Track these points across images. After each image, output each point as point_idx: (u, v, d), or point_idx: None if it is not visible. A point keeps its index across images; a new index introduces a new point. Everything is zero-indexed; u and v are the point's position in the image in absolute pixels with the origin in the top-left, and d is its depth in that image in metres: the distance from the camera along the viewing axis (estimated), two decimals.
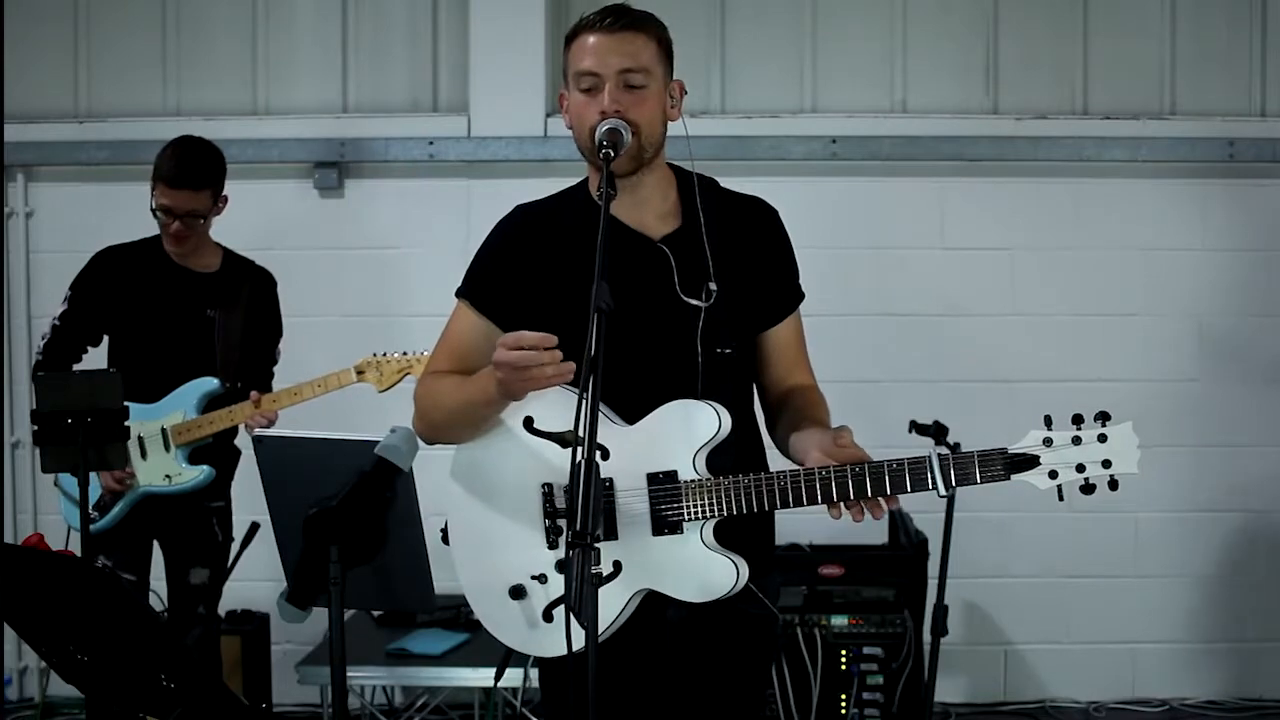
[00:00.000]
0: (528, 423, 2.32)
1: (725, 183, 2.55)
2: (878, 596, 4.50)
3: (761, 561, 2.38)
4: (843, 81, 5.17)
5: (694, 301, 2.39)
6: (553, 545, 2.34)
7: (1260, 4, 5.11)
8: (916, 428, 4.01)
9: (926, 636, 4.08)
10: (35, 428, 3.54)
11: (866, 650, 4.46)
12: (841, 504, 2.27)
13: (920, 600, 4.45)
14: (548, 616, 2.33)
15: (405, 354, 3.86)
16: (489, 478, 2.38)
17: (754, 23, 5.17)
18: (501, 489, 2.37)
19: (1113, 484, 2.21)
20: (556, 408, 2.30)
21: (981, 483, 2.24)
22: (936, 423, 3.99)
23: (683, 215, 2.46)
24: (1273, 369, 5.10)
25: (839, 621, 4.47)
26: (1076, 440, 2.21)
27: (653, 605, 2.33)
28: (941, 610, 3.85)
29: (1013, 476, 2.23)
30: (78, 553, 3.44)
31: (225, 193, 4.00)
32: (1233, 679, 5.12)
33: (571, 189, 2.53)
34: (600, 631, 2.25)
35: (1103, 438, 2.21)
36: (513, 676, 2.63)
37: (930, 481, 2.24)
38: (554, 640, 2.30)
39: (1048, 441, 2.22)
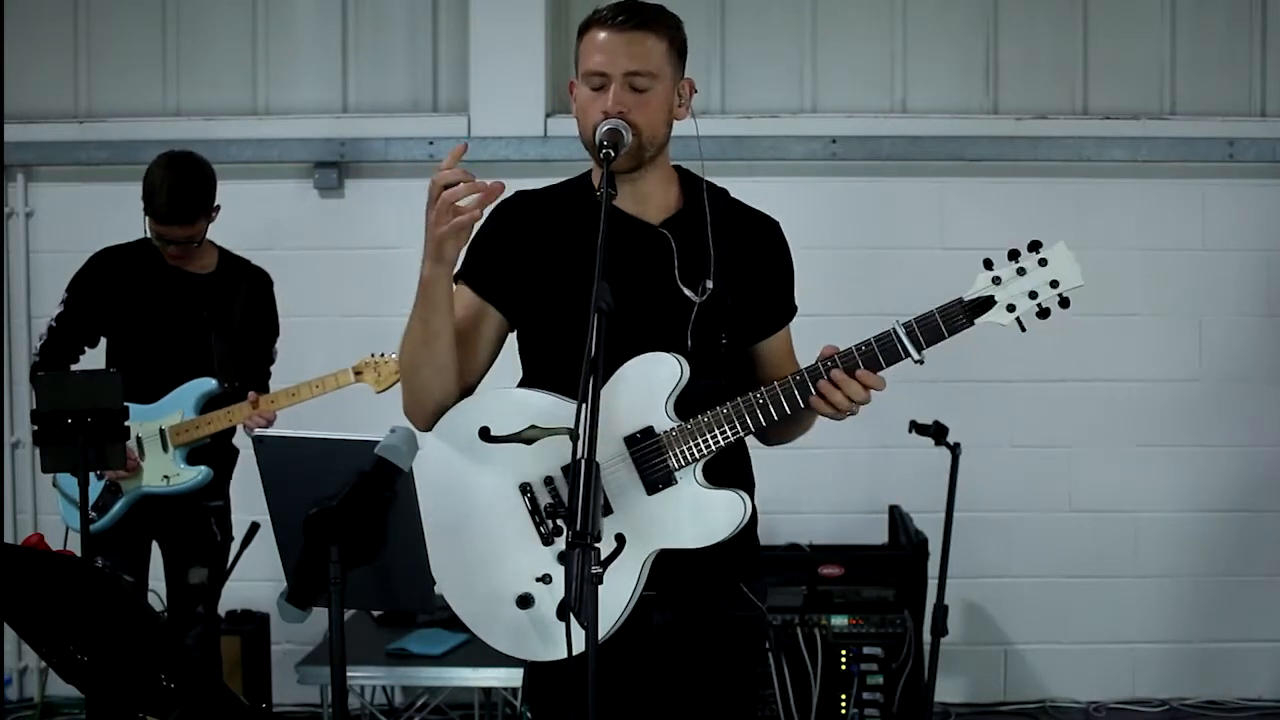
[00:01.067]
0: (484, 433, 2.30)
1: (724, 183, 2.54)
2: (878, 596, 4.50)
3: (749, 566, 2.37)
4: (843, 81, 5.18)
5: (689, 294, 2.38)
6: (548, 541, 2.32)
7: (1260, 4, 5.12)
8: (916, 428, 4.01)
9: (926, 636, 4.08)
10: (35, 428, 3.54)
11: (866, 650, 4.45)
12: (825, 401, 2.29)
13: (920, 600, 4.45)
14: (562, 615, 2.29)
15: None
16: (461, 500, 2.35)
17: (754, 23, 5.17)
18: (478, 506, 2.34)
19: (1064, 302, 2.31)
20: (505, 412, 2.30)
21: (949, 335, 2.31)
22: (936, 422, 3.99)
23: (684, 205, 2.45)
24: (1273, 369, 5.10)
25: (839, 621, 4.47)
26: (1021, 271, 2.30)
27: (638, 610, 2.31)
28: (941, 610, 3.85)
29: (975, 321, 2.31)
30: (77, 553, 3.44)
31: (217, 202, 3.98)
32: (1233, 679, 5.12)
33: (574, 179, 2.52)
34: (623, 607, 2.27)
35: (1043, 262, 2.31)
36: (513, 676, 2.62)
37: (901, 350, 2.30)
38: (574, 638, 2.29)
39: (996, 280, 2.30)
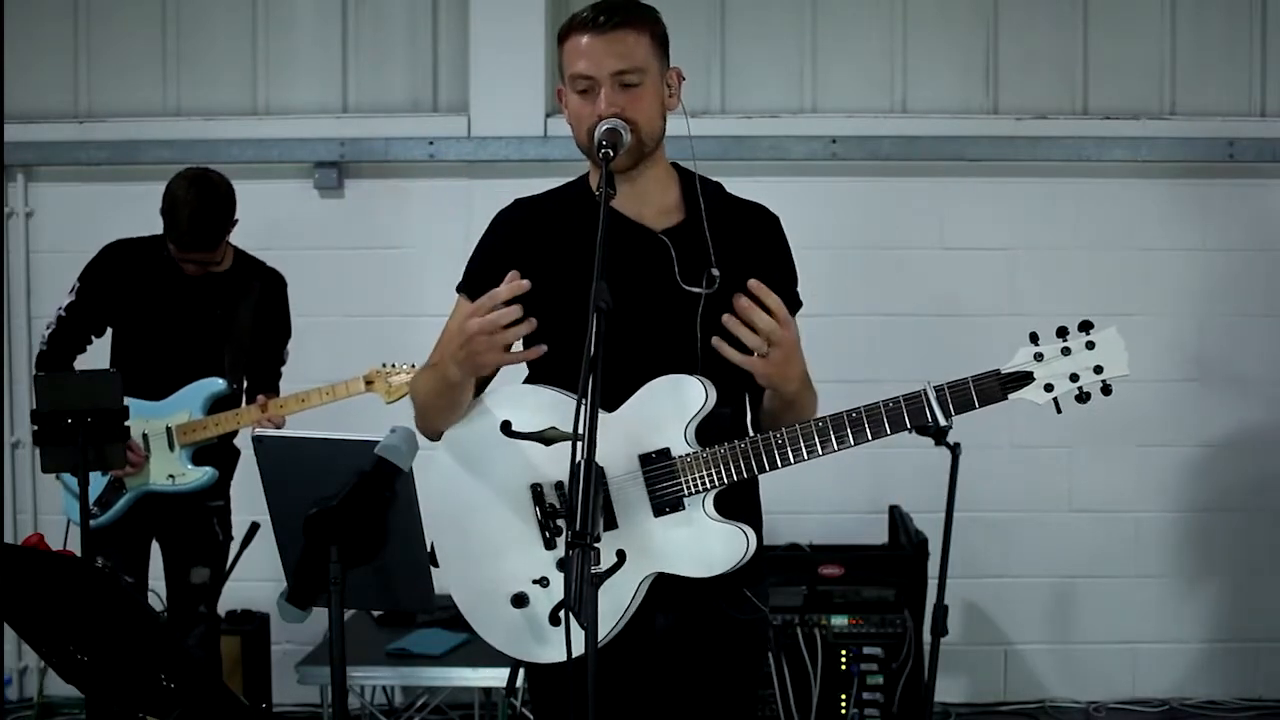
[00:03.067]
0: (505, 426, 2.29)
1: (726, 183, 2.54)
2: (878, 596, 4.50)
3: (752, 570, 2.36)
4: (843, 81, 5.17)
5: (694, 289, 2.37)
6: (550, 545, 2.32)
7: (1260, 4, 5.12)
8: (916, 428, 4.00)
9: (926, 636, 4.08)
10: (35, 428, 3.54)
11: (866, 650, 4.45)
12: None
13: (920, 600, 4.45)
14: (554, 620, 2.30)
15: (413, 366, 3.85)
16: (473, 490, 2.35)
17: (754, 23, 5.17)
18: (488, 499, 2.35)
19: (1105, 389, 2.24)
20: (531, 408, 2.31)
21: (980, 406, 2.24)
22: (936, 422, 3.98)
23: (685, 211, 2.45)
24: (1273, 369, 5.10)
25: (839, 621, 4.47)
26: (1066, 351, 2.24)
27: (640, 614, 2.31)
28: (941, 610, 3.84)
29: (1010, 396, 2.24)
30: (77, 550, 3.44)
31: (236, 216, 3.95)
32: (1233, 679, 5.12)
33: (571, 183, 2.52)
34: (614, 623, 2.26)
35: (1090, 345, 2.24)
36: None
37: (929, 415, 2.24)
38: (563, 645, 2.30)
39: (1039, 357, 2.24)
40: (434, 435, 2.41)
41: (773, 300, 2.19)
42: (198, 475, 3.94)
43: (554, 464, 2.30)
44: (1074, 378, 2.23)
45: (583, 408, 2.00)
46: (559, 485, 2.31)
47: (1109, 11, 5.12)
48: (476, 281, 2.45)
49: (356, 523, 2.17)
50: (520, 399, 2.35)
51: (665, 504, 2.28)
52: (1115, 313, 4.99)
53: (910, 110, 5.15)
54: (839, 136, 5.02)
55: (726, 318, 2.20)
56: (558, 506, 2.31)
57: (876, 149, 5.04)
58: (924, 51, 5.16)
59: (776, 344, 2.19)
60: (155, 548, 4.08)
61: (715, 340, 2.21)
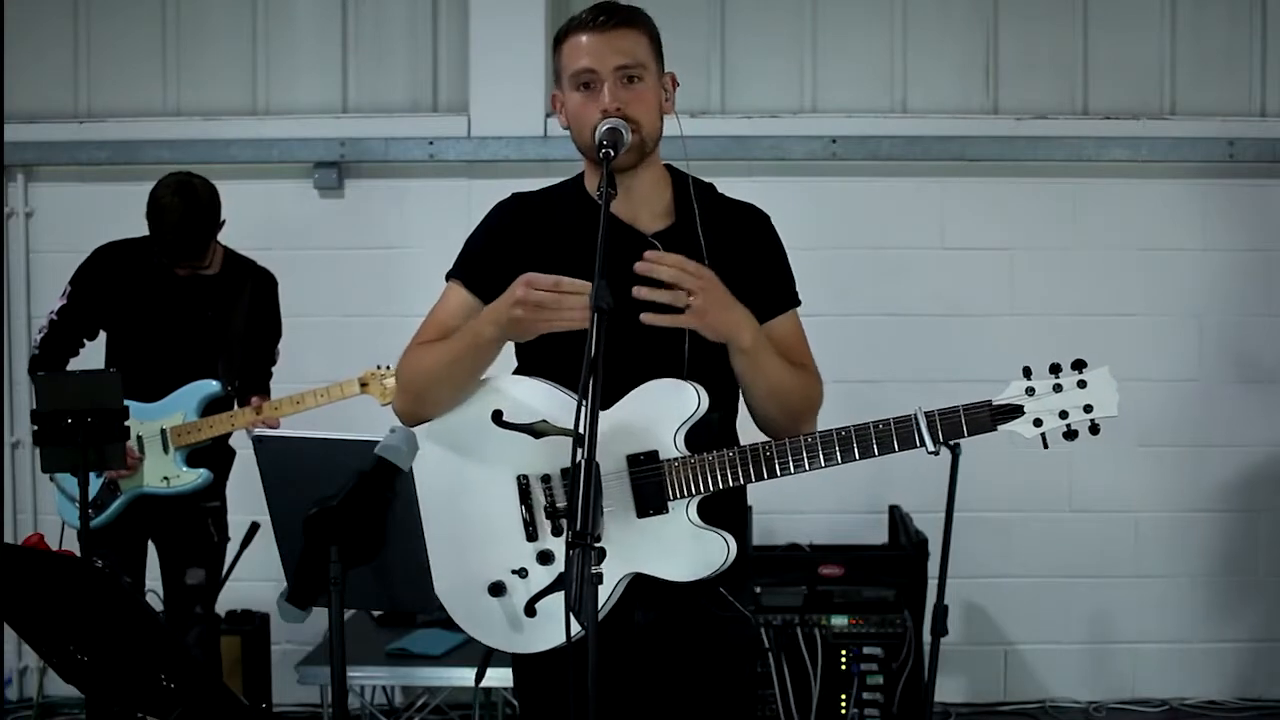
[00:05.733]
0: (496, 416, 2.30)
1: (725, 183, 2.54)
2: (878, 596, 4.50)
3: (734, 573, 2.34)
4: (843, 81, 5.18)
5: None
6: (532, 538, 2.33)
7: (1260, 4, 5.12)
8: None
9: (926, 636, 4.08)
10: (35, 428, 3.55)
11: (866, 650, 4.45)
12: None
13: (920, 600, 4.45)
14: (530, 611, 2.31)
15: None
16: (459, 476, 2.36)
17: (754, 23, 5.17)
18: (474, 486, 2.35)
19: (1094, 429, 2.28)
20: (524, 399, 2.31)
21: (969, 435, 2.28)
22: None
23: (677, 214, 2.45)
24: (1273, 369, 5.10)
25: (839, 621, 4.47)
26: (1058, 388, 2.28)
27: (619, 610, 2.31)
28: (941, 610, 3.84)
29: (999, 427, 2.29)
30: (75, 551, 3.44)
31: (223, 217, 3.96)
32: (1233, 679, 5.13)
33: (567, 182, 2.52)
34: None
35: (1082, 384, 2.28)
36: (509, 676, 2.62)
37: (918, 439, 2.26)
38: (538, 636, 2.30)
39: (1030, 391, 2.28)
40: (424, 418, 2.39)
41: (669, 258, 2.20)
42: (192, 477, 3.94)
43: (542, 457, 2.30)
44: (1063, 415, 2.28)
45: (583, 409, 2.00)
46: (545, 478, 2.32)
47: (1109, 11, 5.13)
48: (473, 267, 2.44)
49: (356, 523, 2.17)
50: (512, 389, 2.35)
51: (649, 506, 2.29)
52: (1115, 313, 5.06)
53: (910, 110, 5.16)
54: (839, 136, 5.02)
55: (637, 288, 2.19)
56: (543, 499, 2.31)
57: (876, 149, 5.04)
58: (924, 51, 5.16)
59: (693, 289, 2.19)
60: (152, 548, 4.09)
61: (644, 315, 2.20)
